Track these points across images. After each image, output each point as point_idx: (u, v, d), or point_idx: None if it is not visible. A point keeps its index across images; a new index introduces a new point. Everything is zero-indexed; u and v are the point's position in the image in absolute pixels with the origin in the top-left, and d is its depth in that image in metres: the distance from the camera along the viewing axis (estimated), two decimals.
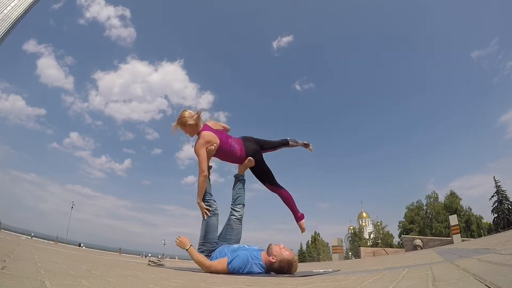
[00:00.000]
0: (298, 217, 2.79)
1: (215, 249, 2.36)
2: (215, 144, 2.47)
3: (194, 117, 2.51)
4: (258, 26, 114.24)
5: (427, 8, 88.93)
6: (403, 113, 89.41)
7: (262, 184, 2.80)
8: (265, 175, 2.78)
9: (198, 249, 2.44)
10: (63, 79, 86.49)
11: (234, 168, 2.80)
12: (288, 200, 2.81)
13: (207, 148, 2.43)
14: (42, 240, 19.07)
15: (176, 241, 2.32)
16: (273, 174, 2.80)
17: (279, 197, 2.82)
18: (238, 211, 2.58)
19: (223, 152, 2.58)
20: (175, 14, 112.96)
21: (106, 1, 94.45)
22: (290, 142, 3.08)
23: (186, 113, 2.55)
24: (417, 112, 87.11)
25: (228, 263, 2.01)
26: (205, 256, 2.40)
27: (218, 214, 2.52)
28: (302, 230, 2.81)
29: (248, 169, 2.73)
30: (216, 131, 2.56)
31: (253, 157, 2.67)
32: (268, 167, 2.78)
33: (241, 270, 1.98)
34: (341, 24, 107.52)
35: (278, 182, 2.81)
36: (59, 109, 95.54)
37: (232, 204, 2.62)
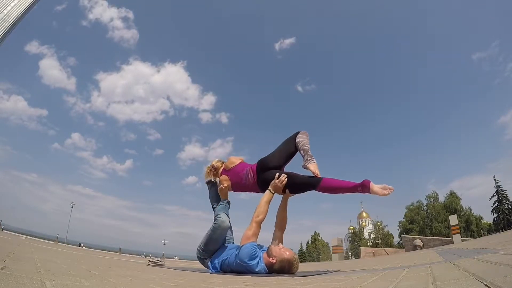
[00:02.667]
0: (364, 186, 2.01)
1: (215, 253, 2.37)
2: (225, 184, 2.61)
3: (209, 173, 2.80)
4: (261, 28, 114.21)
5: (428, 10, 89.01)
6: (403, 113, 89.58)
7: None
8: (296, 188, 2.35)
9: (198, 253, 2.41)
10: (66, 80, 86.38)
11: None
12: (332, 188, 2.15)
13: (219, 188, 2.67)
14: (39, 239, 19.05)
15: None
16: (299, 175, 2.32)
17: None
18: None
19: (236, 188, 2.62)
20: (178, 16, 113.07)
21: (109, 3, 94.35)
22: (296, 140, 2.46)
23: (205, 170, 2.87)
24: (417, 112, 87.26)
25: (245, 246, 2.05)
26: (204, 260, 2.39)
27: (223, 229, 2.34)
28: (382, 193, 1.98)
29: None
30: (229, 170, 2.63)
31: (263, 188, 2.38)
32: (293, 178, 2.30)
33: (253, 251, 1.98)
34: (343, 26, 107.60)
35: (308, 176, 2.27)
36: (61, 110, 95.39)
37: None
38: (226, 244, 2.42)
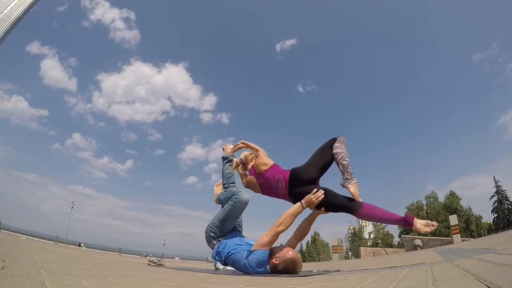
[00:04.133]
0: (407, 222, 1.98)
1: (226, 236, 2.33)
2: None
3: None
4: (262, 29, 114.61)
5: (428, 10, 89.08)
6: (404, 114, 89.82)
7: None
8: (332, 208, 2.17)
9: (210, 229, 2.34)
10: (67, 81, 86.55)
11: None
12: (372, 217, 2.07)
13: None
14: (39, 239, 19.05)
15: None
16: (338, 195, 2.12)
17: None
18: None
19: (265, 192, 2.43)
20: (179, 17, 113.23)
21: (111, 4, 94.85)
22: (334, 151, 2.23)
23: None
24: (417, 113, 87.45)
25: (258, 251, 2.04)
26: (213, 240, 2.33)
27: (244, 203, 2.33)
28: (424, 231, 1.95)
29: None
30: (259, 174, 2.39)
31: (295, 200, 2.20)
32: (330, 198, 2.12)
33: (263, 260, 1.97)
34: (344, 27, 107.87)
35: (347, 197, 2.10)
36: (61, 110, 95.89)
37: None
38: (237, 234, 2.38)
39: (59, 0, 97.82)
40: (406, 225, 2.00)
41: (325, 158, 2.23)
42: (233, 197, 2.33)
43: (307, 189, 2.14)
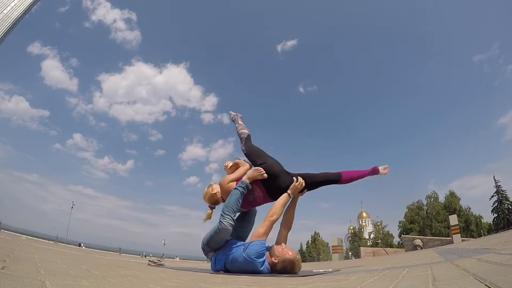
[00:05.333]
0: (375, 171, 2.53)
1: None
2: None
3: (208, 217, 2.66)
4: (263, 30, 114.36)
5: (429, 11, 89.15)
6: (404, 114, 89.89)
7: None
8: (316, 186, 2.54)
9: (202, 243, 2.34)
10: (68, 81, 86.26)
11: None
12: (351, 179, 2.55)
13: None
14: (39, 239, 19.05)
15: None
16: (313, 175, 2.52)
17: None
18: None
19: (247, 207, 2.52)
20: (181, 17, 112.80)
21: (112, 5, 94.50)
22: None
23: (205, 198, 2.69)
24: (418, 113, 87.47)
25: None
26: (208, 253, 2.34)
27: (224, 234, 2.24)
28: (384, 173, 2.53)
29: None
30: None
31: (276, 196, 2.40)
32: (311, 179, 2.48)
33: (261, 250, 1.99)
34: (345, 28, 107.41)
35: (325, 172, 2.57)
36: (62, 110, 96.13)
37: None
38: (232, 240, 2.36)
39: (61, 1, 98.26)
40: (374, 173, 2.54)
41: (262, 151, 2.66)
42: (219, 222, 2.23)
43: (286, 181, 2.40)
